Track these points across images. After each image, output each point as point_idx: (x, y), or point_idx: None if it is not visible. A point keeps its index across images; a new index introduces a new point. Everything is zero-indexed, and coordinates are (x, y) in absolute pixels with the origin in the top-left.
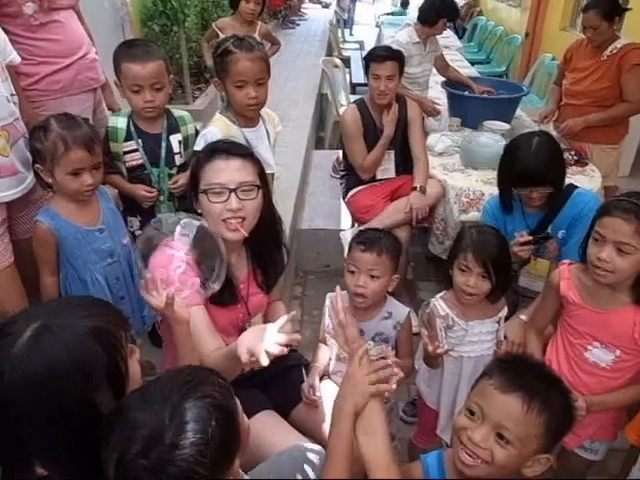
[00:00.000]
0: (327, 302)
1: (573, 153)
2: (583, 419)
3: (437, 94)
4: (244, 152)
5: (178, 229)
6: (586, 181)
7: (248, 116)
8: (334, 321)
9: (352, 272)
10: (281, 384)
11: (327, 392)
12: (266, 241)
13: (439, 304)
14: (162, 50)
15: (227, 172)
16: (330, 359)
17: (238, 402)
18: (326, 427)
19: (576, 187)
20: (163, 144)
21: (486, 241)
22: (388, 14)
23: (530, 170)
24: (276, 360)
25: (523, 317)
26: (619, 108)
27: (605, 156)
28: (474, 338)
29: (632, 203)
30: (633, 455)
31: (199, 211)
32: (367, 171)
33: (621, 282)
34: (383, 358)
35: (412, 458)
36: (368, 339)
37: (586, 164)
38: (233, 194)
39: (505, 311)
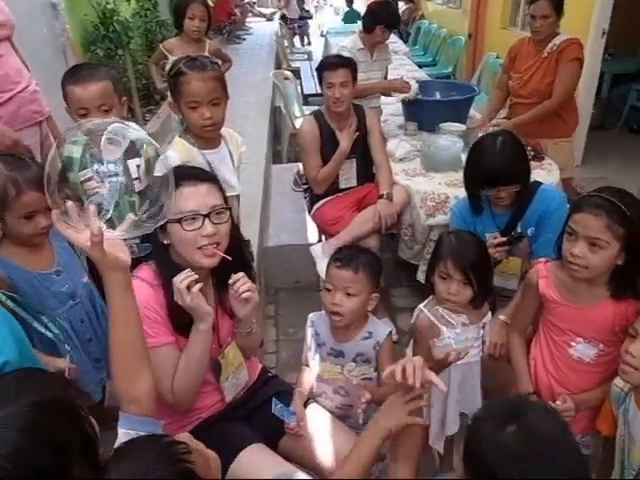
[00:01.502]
0: (308, 323)
1: (530, 149)
2: (576, 414)
3: (391, 99)
4: (208, 176)
5: (104, 137)
6: (545, 175)
7: (206, 137)
8: None
9: (328, 290)
10: (266, 414)
11: (314, 416)
12: (234, 265)
13: (427, 314)
14: (111, 72)
15: (197, 198)
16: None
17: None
18: (316, 453)
19: (540, 184)
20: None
21: (465, 247)
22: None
23: (497, 170)
24: (259, 389)
25: (502, 317)
26: (543, 106)
27: (559, 149)
28: (460, 344)
29: (603, 198)
30: (610, 445)
31: (165, 242)
32: (320, 185)
33: (598, 277)
34: (368, 379)
35: None
36: (349, 360)
37: (543, 158)
38: (207, 219)
39: (489, 316)
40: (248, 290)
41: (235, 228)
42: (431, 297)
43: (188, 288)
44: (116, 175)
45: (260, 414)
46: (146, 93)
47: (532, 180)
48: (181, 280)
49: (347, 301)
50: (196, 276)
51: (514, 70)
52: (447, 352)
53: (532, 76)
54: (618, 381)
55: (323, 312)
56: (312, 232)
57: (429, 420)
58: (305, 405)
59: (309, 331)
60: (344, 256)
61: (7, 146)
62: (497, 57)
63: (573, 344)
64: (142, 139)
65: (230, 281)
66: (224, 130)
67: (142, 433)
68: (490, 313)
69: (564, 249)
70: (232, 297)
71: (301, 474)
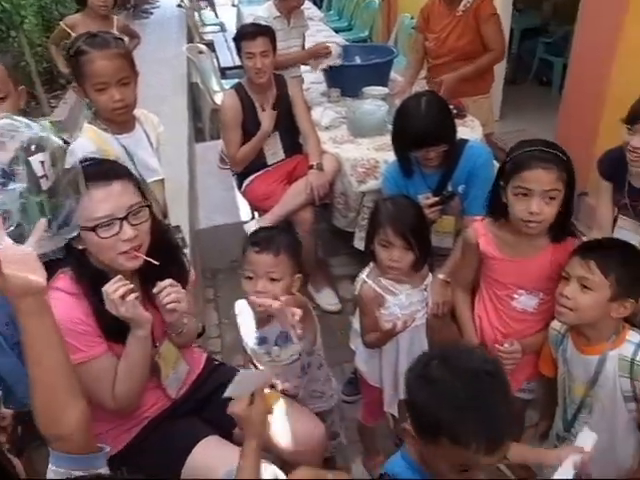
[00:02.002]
0: (236, 311)
1: (452, 107)
2: (521, 362)
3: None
4: (120, 171)
5: None
6: (469, 132)
7: (118, 121)
8: None
9: (250, 278)
10: (217, 404)
11: None
12: (160, 260)
13: (370, 284)
14: (5, 56)
15: (110, 200)
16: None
17: None
18: (273, 435)
19: (467, 141)
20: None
21: (403, 213)
22: None
23: (424, 131)
24: (206, 379)
25: (441, 276)
26: (487, 58)
27: (479, 106)
28: (406, 310)
29: (546, 152)
30: (550, 386)
31: (80, 247)
32: (238, 164)
33: None
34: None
35: (363, 437)
36: (271, 345)
37: (465, 116)
38: (125, 222)
39: (430, 277)
40: (173, 301)
41: (156, 222)
42: (372, 265)
43: (123, 297)
44: (10, 179)
45: (210, 405)
46: (49, 77)
47: (459, 138)
48: (113, 290)
49: (271, 287)
50: (131, 285)
51: (429, 30)
52: (394, 322)
53: (449, 35)
54: (555, 324)
55: (243, 300)
56: (244, 210)
57: (382, 385)
58: None
59: (238, 320)
60: (262, 239)
61: None
62: (412, 18)
63: (515, 296)
64: (34, 137)
65: (155, 290)
66: (137, 111)
67: (76, 473)
68: (431, 274)
69: (518, 210)
70: (159, 303)
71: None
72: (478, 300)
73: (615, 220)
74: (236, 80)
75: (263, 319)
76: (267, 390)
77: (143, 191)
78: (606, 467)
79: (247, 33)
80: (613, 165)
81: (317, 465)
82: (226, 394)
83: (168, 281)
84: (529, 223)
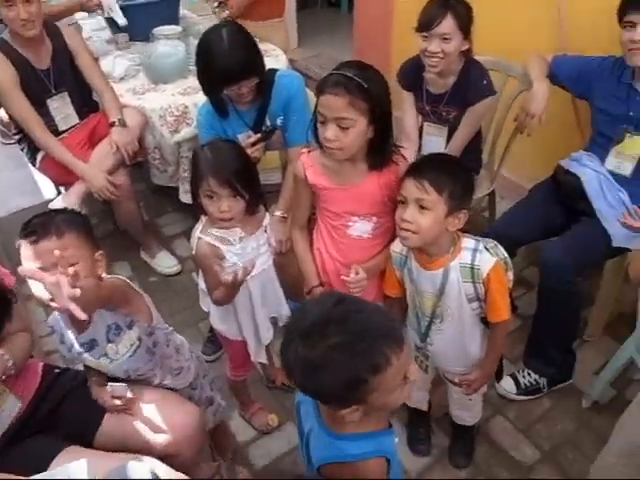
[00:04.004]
0: (50, 330)
1: None
2: (368, 286)
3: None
4: None
5: None
6: (273, 62)
7: None
8: None
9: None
10: (68, 413)
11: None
12: None
13: (206, 240)
14: None
15: None
16: None
17: None
18: (143, 428)
19: (276, 70)
20: None
21: (224, 159)
22: None
23: (233, 65)
24: (47, 392)
25: (278, 213)
26: None
27: (275, 31)
28: (245, 258)
29: (340, 75)
30: (394, 304)
31: None
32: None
33: (357, 154)
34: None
35: (236, 392)
36: (104, 343)
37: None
38: None
39: (268, 218)
40: None
41: None
42: (204, 219)
43: None
44: None
45: (59, 416)
46: None
47: (268, 69)
48: None
49: (65, 280)
50: None
51: None
52: (234, 272)
53: None
54: (395, 247)
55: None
56: (46, 186)
57: (243, 337)
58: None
59: (55, 339)
60: (37, 224)
61: None
62: None
63: (350, 224)
64: None
65: None
66: None
67: None
68: (267, 214)
69: (320, 136)
70: None
71: (132, 461)
72: (316, 234)
73: (421, 128)
74: None
75: (79, 323)
76: None
77: None
78: (460, 361)
79: None
80: (410, 75)
81: (200, 451)
82: None
83: None
84: (328, 150)
